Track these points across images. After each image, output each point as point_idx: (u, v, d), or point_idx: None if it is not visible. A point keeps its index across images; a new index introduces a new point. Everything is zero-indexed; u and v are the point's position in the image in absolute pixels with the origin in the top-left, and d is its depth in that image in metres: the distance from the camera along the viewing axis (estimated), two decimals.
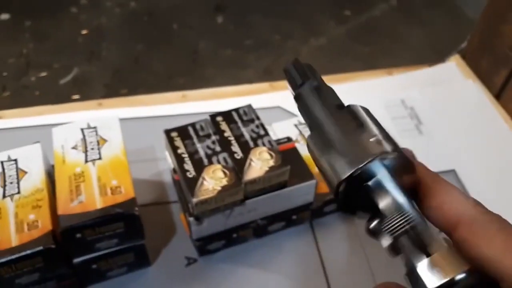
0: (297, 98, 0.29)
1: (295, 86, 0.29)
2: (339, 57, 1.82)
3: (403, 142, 0.63)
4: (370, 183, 0.23)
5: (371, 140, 0.23)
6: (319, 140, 0.26)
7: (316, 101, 0.27)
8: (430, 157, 0.61)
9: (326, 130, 0.25)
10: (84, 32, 1.85)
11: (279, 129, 0.57)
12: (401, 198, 0.23)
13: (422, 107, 0.67)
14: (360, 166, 0.23)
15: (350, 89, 0.70)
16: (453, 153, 0.62)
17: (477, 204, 0.24)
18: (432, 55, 0.75)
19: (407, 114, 0.67)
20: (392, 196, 0.23)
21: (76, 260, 0.44)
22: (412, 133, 0.64)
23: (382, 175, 0.23)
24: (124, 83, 1.65)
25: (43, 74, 1.69)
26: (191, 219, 0.45)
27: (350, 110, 0.26)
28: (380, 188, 0.23)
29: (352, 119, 0.25)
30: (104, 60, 1.75)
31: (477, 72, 0.71)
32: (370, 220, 0.24)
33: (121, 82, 1.66)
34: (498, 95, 0.69)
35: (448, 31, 1.84)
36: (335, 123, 0.25)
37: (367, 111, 0.26)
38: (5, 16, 1.89)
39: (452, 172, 0.60)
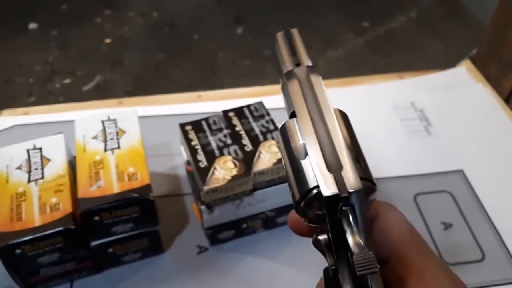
0: (289, 76, 0.28)
1: (287, 63, 0.29)
2: (356, 69, 1.84)
3: (411, 143, 0.65)
4: (345, 208, 0.23)
5: (356, 166, 0.24)
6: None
7: (309, 93, 0.27)
8: (438, 157, 0.63)
9: (317, 130, 0.25)
10: (107, 41, 1.91)
11: None
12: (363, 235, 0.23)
13: (431, 109, 0.69)
14: (344, 196, 0.23)
15: (360, 92, 0.72)
16: (461, 154, 0.63)
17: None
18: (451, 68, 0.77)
19: (416, 116, 0.68)
20: (361, 232, 0.23)
21: (94, 243, 0.46)
22: (420, 134, 0.66)
23: (357, 205, 0.24)
24: (144, 90, 1.69)
25: (67, 81, 1.75)
26: (202, 207, 0.48)
27: (343, 115, 0.26)
28: (351, 218, 0.23)
29: (344, 126, 0.26)
30: (126, 68, 1.80)
31: (487, 76, 0.73)
32: (321, 233, 0.25)
33: (142, 90, 1.70)
34: (507, 99, 0.70)
35: (467, 44, 1.84)
36: (326, 129, 0.25)
37: (348, 120, 0.26)
38: (33, 26, 1.96)
39: (460, 172, 0.61)
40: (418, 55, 1.88)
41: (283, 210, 0.53)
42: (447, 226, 0.56)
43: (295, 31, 0.30)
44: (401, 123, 0.67)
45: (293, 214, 0.28)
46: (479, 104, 0.70)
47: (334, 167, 0.24)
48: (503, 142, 0.65)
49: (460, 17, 2.07)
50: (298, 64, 0.28)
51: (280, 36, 0.30)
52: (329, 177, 0.23)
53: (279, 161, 0.48)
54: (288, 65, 0.29)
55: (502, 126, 0.67)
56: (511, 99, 0.70)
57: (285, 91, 0.28)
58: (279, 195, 0.51)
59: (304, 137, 0.25)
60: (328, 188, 0.23)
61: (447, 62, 0.79)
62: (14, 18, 1.99)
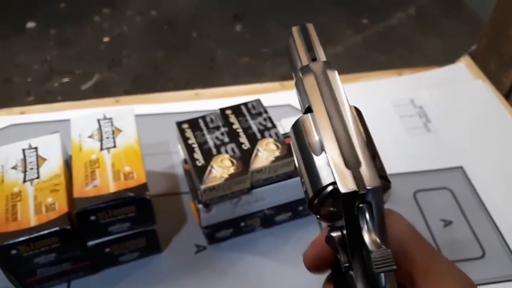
0: (305, 71, 0.27)
1: (303, 58, 0.28)
2: (355, 65, 1.83)
3: (410, 140, 0.64)
4: (362, 206, 0.23)
5: (376, 166, 0.23)
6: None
7: (326, 88, 0.26)
8: (437, 153, 0.63)
9: (334, 126, 0.25)
10: (105, 39, 1.91)
11: (287, 125, 0.59)
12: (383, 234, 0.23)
13: (431, 106, 0.68)
14: (362, 193, 0.22)
15: (360, 89, 0.72)
16: (461, 150, 0.63)
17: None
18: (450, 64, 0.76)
19: (415, 113, 0.68)
20: (377, 230, 0.23)
21: (90, 243, 0.46)
22: (420, 130, 0.65)
23: (374, 202, 0.23)
24: (143, 89, 1.69)
25: (66, 80, 1.74)
26: (200, 206, 0.47)
27: (358, 113, 0.26)
28: (367, 216, 0.23)
29: (361, 124, 0.25)
30: (124, 67, 1.80)
31: (486, 72, 0.72)
32: (334, 230, 0.25)
33: (140, 88, 1.70)
34: (507, 95, 0.70)
35: (466, 41, 1.84)
36: (343, 125, 0.24)
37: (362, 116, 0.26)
38: (31, 25, 1.95)
39: (460, 168, 0.61)
40: (417, 52, 1.88)
41: (281, 208, 0.52)
42: (447, 223, 0.56)
43: (310, 26, 0.29)
44: (400, 119, 0.67)
45: (310, 252, 0.28)
46: (478, 100, 0.70)
47: (352, 163, 0.23)
48: (503, 138, 0.65)
49: (459, 14, 2.06)
50: (314, 59, 0.28)
51: (295, 30, 0.29)
52: (347, 173, 0.23)
53: (277, 159, 0.48)
54: (304, 60, 0.28)
55: (502, 122, 0.67)
56: (511, 95, 0.69)
57: (300, 86, 0.27)
58: (277, 193, 0.50)
59: (321, 132, 0.24)
60: (346, 185, 0.22)
61: (447, 59, 0.79)
62: (12, 17, 1.98)
